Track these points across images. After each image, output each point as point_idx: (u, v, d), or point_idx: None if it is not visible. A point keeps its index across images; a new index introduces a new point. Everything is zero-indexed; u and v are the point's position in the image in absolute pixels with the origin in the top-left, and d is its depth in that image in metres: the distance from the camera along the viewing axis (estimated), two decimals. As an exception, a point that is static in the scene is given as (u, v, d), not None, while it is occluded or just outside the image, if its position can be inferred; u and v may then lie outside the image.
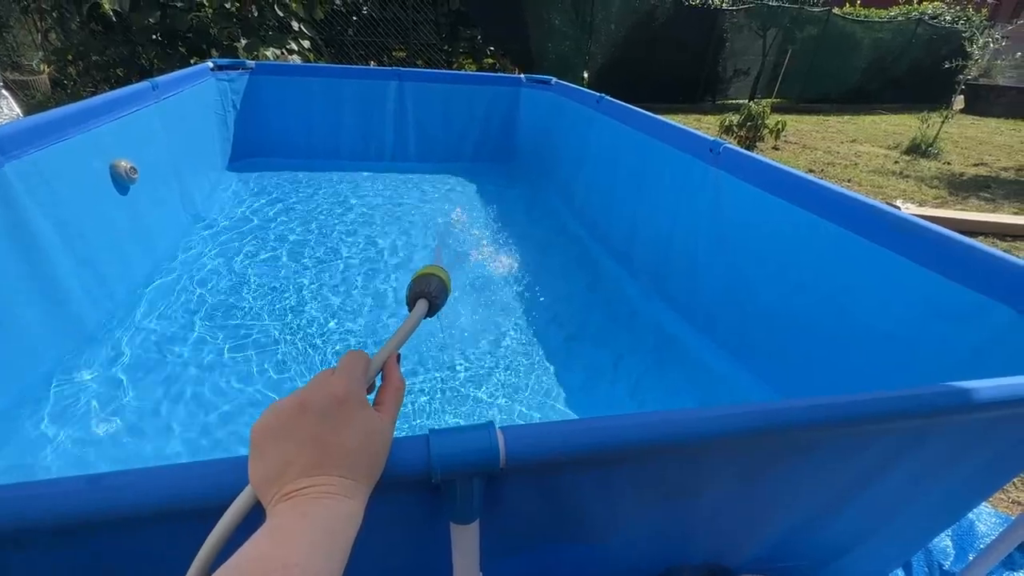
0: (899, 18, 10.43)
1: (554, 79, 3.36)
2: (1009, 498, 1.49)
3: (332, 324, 1.86)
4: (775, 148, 6.05)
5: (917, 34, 10.48)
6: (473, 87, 3.60)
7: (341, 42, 6.78)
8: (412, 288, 0.62)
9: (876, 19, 10.28)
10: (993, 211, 4.27)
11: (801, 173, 1.52)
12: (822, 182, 1.45)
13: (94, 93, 2.26)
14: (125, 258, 1.84)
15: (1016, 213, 4.15)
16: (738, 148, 1.75)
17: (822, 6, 9.75)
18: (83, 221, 1.61)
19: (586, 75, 7.81)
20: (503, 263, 2.42)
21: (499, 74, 4.04)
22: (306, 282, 2.10)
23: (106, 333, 1.64)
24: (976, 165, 6.04)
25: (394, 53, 7.24)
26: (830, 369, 1.41)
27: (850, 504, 0.79)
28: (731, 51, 9.02)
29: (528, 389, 1.65)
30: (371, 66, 6.51)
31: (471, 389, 1.62)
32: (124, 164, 1.82)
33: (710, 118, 7.46)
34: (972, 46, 7.78)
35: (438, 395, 1.59)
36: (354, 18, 6.69)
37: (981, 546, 1.32)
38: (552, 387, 1.67)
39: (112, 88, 1.88)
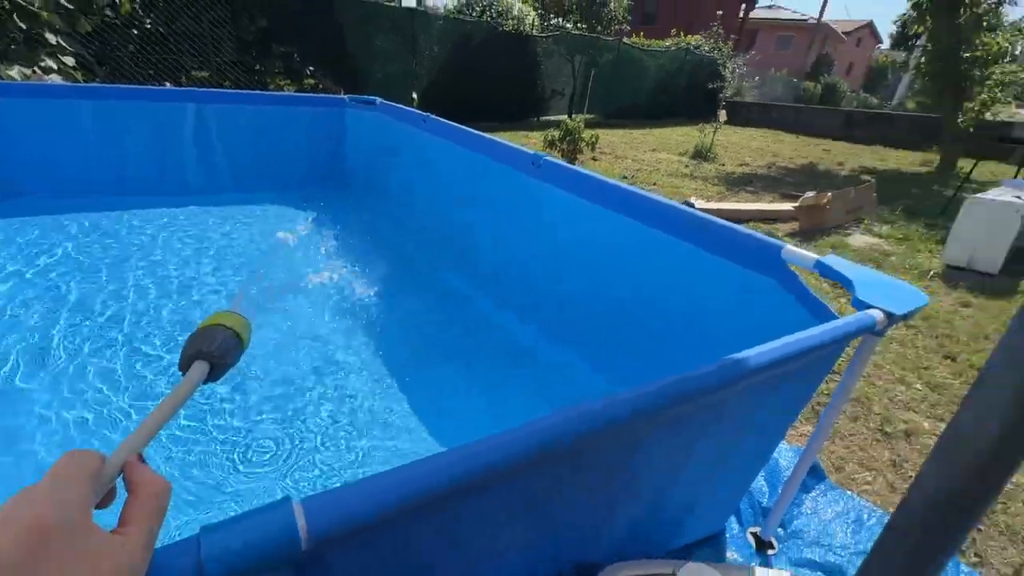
0: (672, 48, 12.57)
1: (379, 99, 3.28)
2: (798, 432, 1.82)
3: (115, 395, 1.52)
4: (594, 159, 6.74)
5: (687, 60, 12.73)
6: (291, 108, 3.35)
7: (119, 59, 5.79)
8: (187, 346, 0.48)
9: (656, 48, 12.24)
10: (756, 200, 5.30)
11: (610, 180, 1.68)
12: (626, 186, 1.62)
13: None
14: None
15: (772, 201, 5.20)
16: (557, 160, 1.88)
17: (615, 35, 11.26)
18: None
19: (415, 96, 7.85)
20: (341, 290, 2.26)
21: (319, 95, 3.80)
22: (86, 347, 1.70)
23: None
24: (741, 165, 7.47)
25: (193, 73, 6.41)
26: (660, 352, 1.58)
27: (683, 472, 0.87)
28: (546, 73, 9.89)
29: (380, 419, 1.54)
30: (166, 87, 5.69)
31: (317, 439, 1.46)
32: None
33: (535, 134, 8.04)
34: (725, 71, 9.69)
35: (285, 453, 1.40)
36: (134, 32, 5.78)
37: (785, 478, 1.58)
38: (405, 411, 1.59)
39: None
